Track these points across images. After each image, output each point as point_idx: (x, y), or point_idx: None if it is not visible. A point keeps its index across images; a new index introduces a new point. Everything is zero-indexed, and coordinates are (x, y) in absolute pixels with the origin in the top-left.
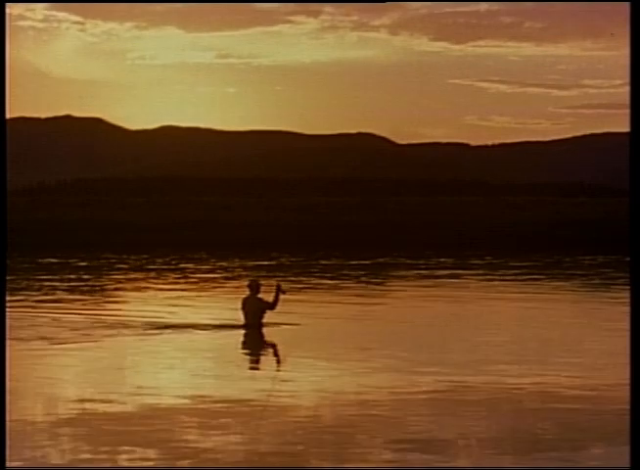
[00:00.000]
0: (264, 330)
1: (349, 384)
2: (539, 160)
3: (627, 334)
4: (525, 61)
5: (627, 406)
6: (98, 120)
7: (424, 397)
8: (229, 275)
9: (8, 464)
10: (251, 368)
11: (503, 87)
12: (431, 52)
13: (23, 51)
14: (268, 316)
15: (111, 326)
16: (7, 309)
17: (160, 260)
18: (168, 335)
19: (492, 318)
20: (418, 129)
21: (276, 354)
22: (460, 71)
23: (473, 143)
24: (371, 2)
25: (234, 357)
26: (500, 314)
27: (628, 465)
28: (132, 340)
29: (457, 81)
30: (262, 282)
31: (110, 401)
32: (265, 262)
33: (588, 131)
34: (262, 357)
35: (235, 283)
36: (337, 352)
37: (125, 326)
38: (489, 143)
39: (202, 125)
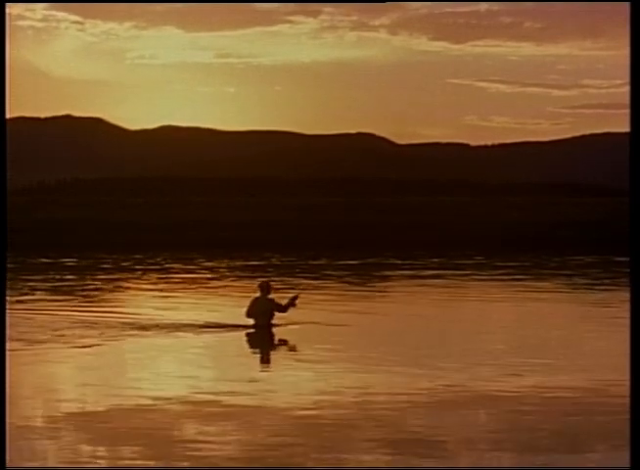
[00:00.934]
0: (274, 330)
1: (349, 384)
2: (539, 160)
3: (627, 333)
4: (525, 61)
5: (627, 406)
6: (98, 120)
7: (424, 397)
8: (229, 275)
9: (8, 464)
10: (256, 369)
11: (502, 87)
12: (430, 52)
13: (23, 51)
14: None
15: (111, 326)
16: (7, 310)
17: (160, 260)
18: (172, 335)
19: (492, 318)
20: (418, 129)
21: (286, 353)
22: (459, 71)
23: (472, 143)
24: (371, 2)
25: (240, 357)
26: (500, 315)
27: (628, 465)
28: (132, 340)
29: (457, 81)
30: (273, 283)
31: (110, 401)
32: (263, 262)
33: (588, 131)
34: (270, 357)
35: (235, 283)
36: (337, 351)
37: (126, 326)
38: (489, 143)
39: (201, 125)
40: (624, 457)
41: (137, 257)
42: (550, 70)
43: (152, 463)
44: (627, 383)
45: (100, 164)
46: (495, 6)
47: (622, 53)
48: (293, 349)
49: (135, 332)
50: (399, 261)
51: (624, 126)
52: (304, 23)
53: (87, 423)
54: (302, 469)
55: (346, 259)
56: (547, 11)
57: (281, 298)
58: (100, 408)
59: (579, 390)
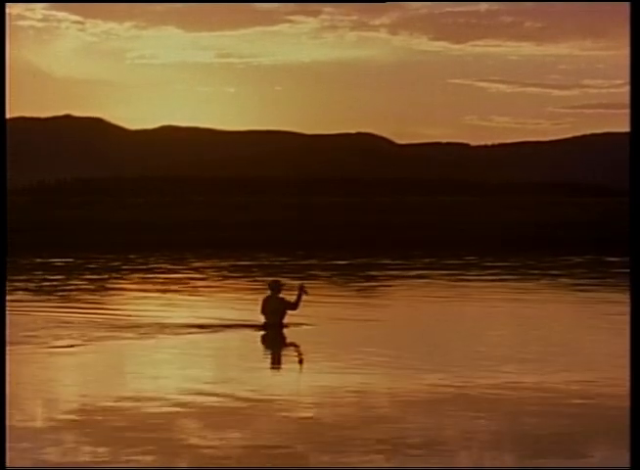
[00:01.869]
0: (285, 330)
1: (349, 384)
2: (539, 160)
3: (627, 333)
4: (525, 60)
5: (627, 406)
6: (98, 120)
7: (424, 397)
8: (229, 275)
9: (8, 464)
10: (265, 368)
11: (503, 87)
12: (430, 52)
13: (24, 51)
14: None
15: (110, 326)
16: (7, 310)
17: (160, 260)
18: (182, 335)
19: (492, 318)
20: (417, 129)
21: (297, 354)
22: (460, 71)
23: (472, 143)
24: (371, 2)
25: (248, 357)
26: (500, 315)
27: (628, 465)
28: (133, 340)
29: (457, 81)
30: (284, 282)
31: (110, 402)
32: (263, 263)
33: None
34: (282, 357)
35: (235, 283)
36: (336, 351)
37: (127, 326)
38: (489, 143)
39: (201, 125)
40: (624, 457)
41: (137, 257)
42: (550, 70)
43: (152, 463)
44: (627, 383)
45: (100, 164)
46: (495, 6)
47: (622, 53)
48: (295, 349)
49: (135, 332)
50: (399, 262)
51: (624, 126)
52: (304, 23)
53: (87, 423)
54: (302, 469)
55: (347, 260)
56: (547, 11)
57: (289, 295)
58: (99, 408)
59: (579, 390)
